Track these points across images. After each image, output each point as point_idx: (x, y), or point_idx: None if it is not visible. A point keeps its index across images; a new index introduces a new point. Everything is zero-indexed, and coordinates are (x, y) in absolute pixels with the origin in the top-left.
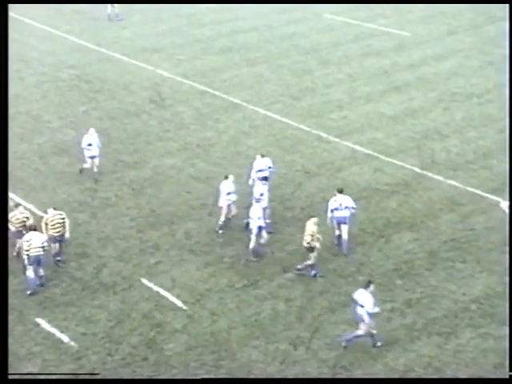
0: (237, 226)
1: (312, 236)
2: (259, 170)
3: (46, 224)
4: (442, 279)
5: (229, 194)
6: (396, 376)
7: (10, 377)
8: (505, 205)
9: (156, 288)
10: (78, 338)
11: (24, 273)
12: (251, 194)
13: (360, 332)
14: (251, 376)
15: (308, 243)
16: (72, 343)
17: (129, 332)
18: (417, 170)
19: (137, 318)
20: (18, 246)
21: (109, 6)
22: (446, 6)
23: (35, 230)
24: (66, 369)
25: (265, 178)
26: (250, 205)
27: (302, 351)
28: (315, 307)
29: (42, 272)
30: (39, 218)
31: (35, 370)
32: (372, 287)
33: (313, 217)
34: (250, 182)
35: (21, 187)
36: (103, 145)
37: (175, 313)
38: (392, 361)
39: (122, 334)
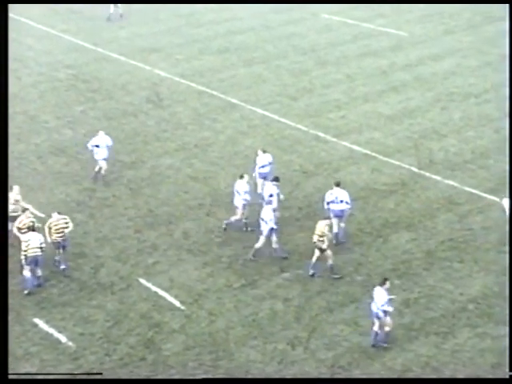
0: (234, 226)
1: (320, 237)
2: (262, 166)
3: (50, 228)
4: (439, 279)
5: (245, 193)
6: (394, 376)
7: (9, 377)
8: (506, 202)
9: (154, 288)
10: (76, 338)
11: (21, 273)
12: (250, 193)
13: (387, 328)
14: (249, 376)
15: (314, 242)
16: (70, 343)
17: (127, 332)
18: (414, 169)
19: (135, 318)
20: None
21: (112, 6)
22: (444, 5)
23: (34, 230)
24: (64, 369)
25: (276, 179)
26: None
27: (299, 351)
28: (313, 307)
29: (39, 272)
30: (38, 219)
31: (33, 370)
32: (388, 284)
33: (326, 218)
34: (254, 175)
35: (19, 187)
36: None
37: (173, 313)
38: (390, 360)
39: (119, 334)
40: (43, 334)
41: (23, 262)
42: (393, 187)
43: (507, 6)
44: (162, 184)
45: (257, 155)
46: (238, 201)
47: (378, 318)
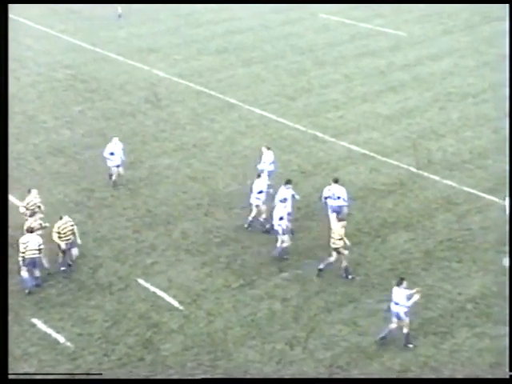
0: (232, 226)
1: (339, 239)
2: (265, 162)
3: (59, 233)
4: (438, 279)
5: (260, 192)
6: (393, 376)
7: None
8: (507, 202)
9: (152, 288)
10: (74, 338)
11: (19, 273)
12: (245, 195)
13: (405, 330)
14: (248, 376)
15: (334, 244)
16: (68, 344)
17: (125, 332)
18: (413, 169)
19: (133, 319)
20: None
21: (119, 6)
22: (442, 6)
23: (32, 232)
24: (63, 369)
25: (288, 182)
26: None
27: (298, 351)
28: (311, 307)
29: (37, 273)
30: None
31: (31, 371)
32: (405, 284)
33: (341, 220)
34: (260, 166)
35: (17, 187)
36: (99, 145)
37: (172, 313)
38: (388, 360)
39: (118, 335)
40: (41, 334)
41: (21, 263)
42: (391, 187)
43: (505, 6)
44: (161, 184)
45: (261, 152)
46: (253, 199)
47: (399, 318)
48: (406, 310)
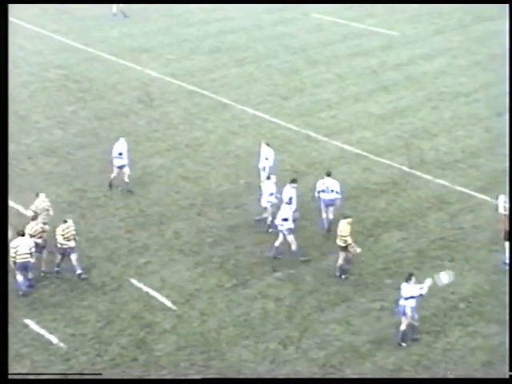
0: (225, 226)
1: (348, 236)
2: (267, 158)
3: (63, 235)
4: (430, 278)
5: (271, 194)
6: (386, 375)
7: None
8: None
9: (145, 288)
10: (67, 338)
11: (14, 276)
12: (238, 195)
13: (403, 327)
14: (241, 376)
15: (342, 242)
16: (61, 344)
17: (118, 332)
18: (405, 169)
19: (126, 319)
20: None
21: (120, 5)
22: (434, 5)
23: (23, 235)
24: (55, 370)
25: (294, 181)
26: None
27: (291, 350)
28: (305, 306)
29: (30, 275)
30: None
31: (24, 372)
32: (413, 279)
33: (347, 217)
34: (260, 165)
35: (9, 188)
36: (91, 145)
37: (165, 313)
38: (381, 360)
39: (111, 335)
40: (34, 334)
41: (12, 267)
42: (384, 186)
43: (496, 6)
44: (153, 184)
45: (263, 146)
46: (264, 202)
47: (405, 314)
48: (414, 305)
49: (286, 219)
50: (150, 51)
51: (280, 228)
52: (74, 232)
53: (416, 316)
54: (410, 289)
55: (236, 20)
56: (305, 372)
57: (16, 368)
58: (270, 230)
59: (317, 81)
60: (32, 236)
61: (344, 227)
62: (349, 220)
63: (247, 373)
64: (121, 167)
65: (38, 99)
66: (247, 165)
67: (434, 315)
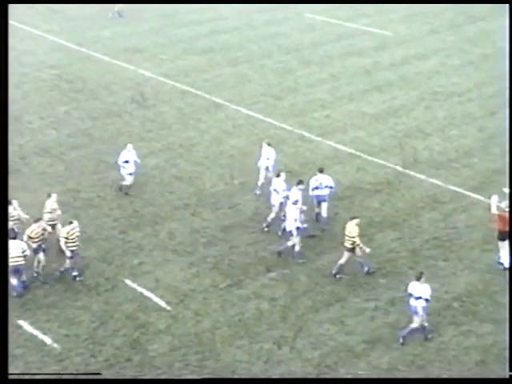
0: (219, 226)
1: (357, 237)
2: (268, 158)
3: (67, 238)
4: (424, 277)
5: (283, 191)
6: (380, 374)
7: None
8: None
9: (139, 289)
10: (61, 339)
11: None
12: (232, 195)
13: (414, 325)
14: (236, 376)
15: (353, 243)
16: (55, 345)
17: (112, 333)
18: (399, 168)
19: (120, 319)
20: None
21: (119, 5)
22: (427, 5)
23: (15, 238)
24: (49, 371)
25: (300, 182)
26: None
27: (286, 350)
28: (299, 306)
29: (24, 277)
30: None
31: (18, 372)
32: (424, 278)
33: (355, 218)
34: (262, 165)
35: None
36: (85, 145)
37: (159, 313)
38: (375, 359)
39: (105, 335)
40: (28, 335)
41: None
42: (378, 186)
43: (489, 6)
44: (147, 184)
45: (264, 146)
46: (276, 199)
47: (416, 313)
48: (425, 304)
49: (295, 220)
50: (143, 51)
51: (289, 228)
52: (78, 234)
53: (425, 316)
54: (420, 288)
55: (229, 20)
56: (299, 372)
57: (10, 369)
58: (266, 229)
59: (310, 81)
60: (31, 238)
61: (352, 228)
62: (357, 221)
63: (242, 373)
64: (129, 174)
65: (31, 99)
66: (241, 165)
67: (428, 314)
